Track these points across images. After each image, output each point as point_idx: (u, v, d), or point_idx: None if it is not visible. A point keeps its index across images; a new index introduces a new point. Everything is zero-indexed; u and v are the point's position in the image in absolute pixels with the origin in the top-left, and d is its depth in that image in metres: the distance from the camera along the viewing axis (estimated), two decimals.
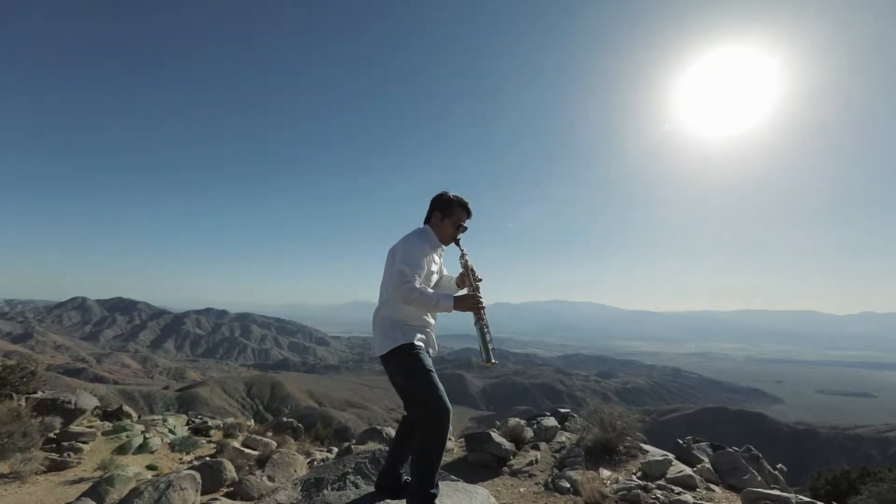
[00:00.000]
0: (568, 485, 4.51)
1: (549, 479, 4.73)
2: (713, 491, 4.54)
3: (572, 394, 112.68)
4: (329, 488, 2.65)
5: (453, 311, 2.36)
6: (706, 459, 5.49)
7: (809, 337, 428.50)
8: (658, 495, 4.14)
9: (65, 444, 6.51)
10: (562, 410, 7.56)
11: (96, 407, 8.40)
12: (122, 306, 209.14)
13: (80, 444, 6.60)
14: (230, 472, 5.81)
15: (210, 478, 5.43)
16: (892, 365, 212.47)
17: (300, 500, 2.55)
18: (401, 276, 2.33)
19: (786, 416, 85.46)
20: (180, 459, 7.21)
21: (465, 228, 2.63)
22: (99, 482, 4.78)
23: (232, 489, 5.45)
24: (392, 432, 8.20)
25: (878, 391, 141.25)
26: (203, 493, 4.73)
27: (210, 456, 7.08)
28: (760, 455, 5.85)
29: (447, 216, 2.58)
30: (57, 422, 6.96)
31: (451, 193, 2.62)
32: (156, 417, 9.47)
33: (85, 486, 5.01)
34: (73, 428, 7.00)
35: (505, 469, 5.22)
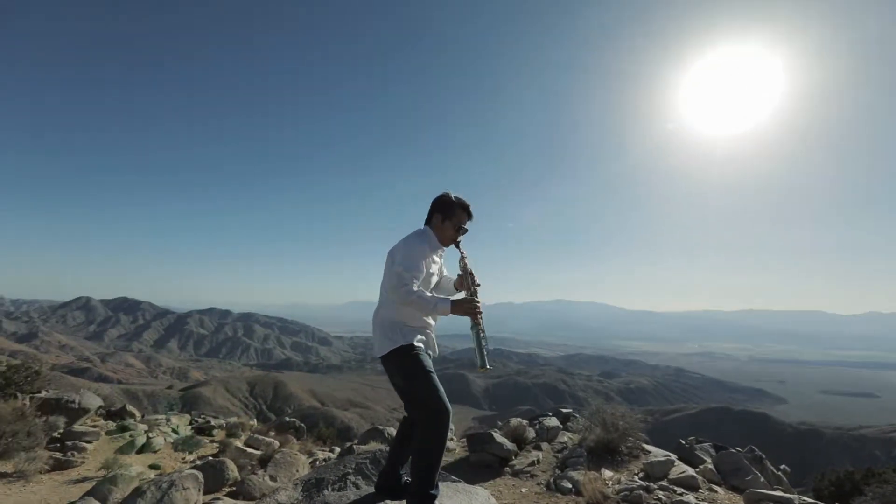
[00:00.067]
0: (570, 485, 4.51)
1: (551, 480, 4.73)
2: (716, 492, 4.53)
3: (574, 394, 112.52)
4: (330, 488, 2.65)
5: (450, 314, 2.36)
6: (709, 460, 5.48)
7: (813, 337, 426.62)
8: (660, 496, 4.13)
9: (69, 443, 6.55)
10: (564, 411, 7.56)
11: (100, 406, 8.44)
12: (125, 306, 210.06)
13: (84, 444, 6.63)
14: (232, 471, 5.83)
15: (212, 477, 5.45)
16: None
17: (301, 500, 2.56)
18: (399, 279, 2.33)
19: (789, 416, 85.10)
20: (183, 459, 7.24)
21: (466, 230, 2.61)
22: (102, 481, 4.81)
23: (234, 489, 5.47)
24: (394, 432, 8.20)
25: (882, 391, 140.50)
26: (205, 493, 4.75)
27: (213, 455, 7.11)
28: (764, 456, 5.83)
29: (448, 218, 2.56)
30: (61, 421, 7.00)
31: (453, 195, 2.59)
32: (159, 417, 9.51)
33: (88, 486, 5.04)
34: (77, 427, 7.04)
35: (507, 469, 5.21)
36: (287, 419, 11.33)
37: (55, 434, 6.74)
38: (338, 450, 8.44)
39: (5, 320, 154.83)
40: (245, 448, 7.31)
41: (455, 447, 6.28)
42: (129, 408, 9.19)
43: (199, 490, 4.47)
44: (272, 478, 5.58)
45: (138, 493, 4.03)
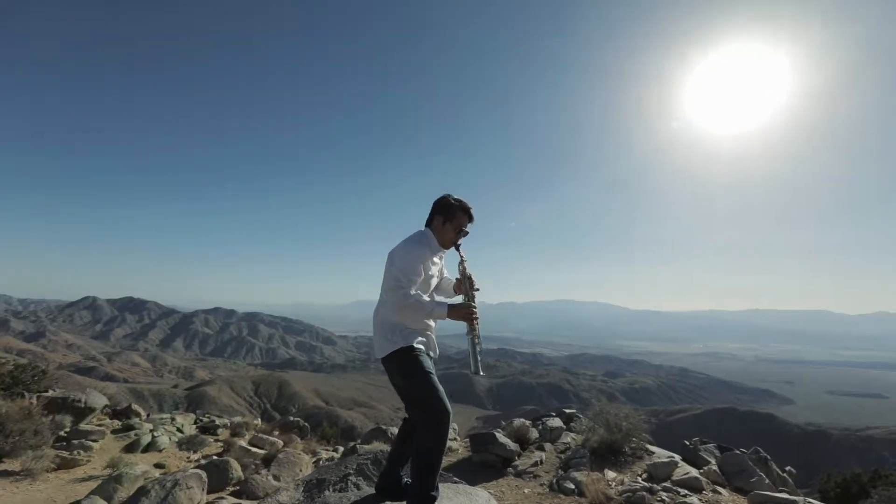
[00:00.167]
0: (573, 486, 4.50)
1: (554, 481, 4.72)
2: (720, 493, 4.50)
3: (579, 394, 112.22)
4: (331, 489, 2.66)
5: (447, 319, 2.36)
6: (713, 461, 5.45)
7: (820, 337, 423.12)
8: (663, 497, 4.11)
9: (75, 442, 6.60)
10: (567, 411, 7.54)
11: (105, 405, 8.51)
12: (131, 306, 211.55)
13: (90, 443, 6.68)
14: (236, 471, 5.86)
15: (216, 476, 5.47)
16: None
17: (302, 500, 2.57)
18: (396, 282, 2.34)
19: (796, 417, 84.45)
20: (188, 458, 7.28)
21: (467, 233, 2.60)
22: (108, 480, 4.85)
23: (238, 488, 5.49)
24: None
25: (890, 392, 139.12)
26: (209, 492, 4.78)
27: (217, 455, 7.14)
28: (769, 457, 5.79)
29: (449, 221, 2.54)
30: (67, 420, 7.06)
31: (454, 197, 2.57)
32: (164, 416, 9.57)
33: (94, 484, 5.08)
34: (83, 426, 7.10)
35: (510, 470, 5.21)
36: (291, 418, 11.37)
37: (61, 433, 6.80)
38: (341, 449, 8.46)
39: (13, 320, 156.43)
40: (249, 447, 7.34)
41: (458, 447, 6.28)
42: (135, 407, 9.26)
43: (203, 489, 4.50)
44: (275, 477, 5.60)
45: (143, 492, 4.06)
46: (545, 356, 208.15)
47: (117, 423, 7.98)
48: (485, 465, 5.42)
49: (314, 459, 7.30)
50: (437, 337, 2.63)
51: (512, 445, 5.55)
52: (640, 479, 4.71)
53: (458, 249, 2.60)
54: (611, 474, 4.76)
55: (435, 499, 2.35)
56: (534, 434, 6.22)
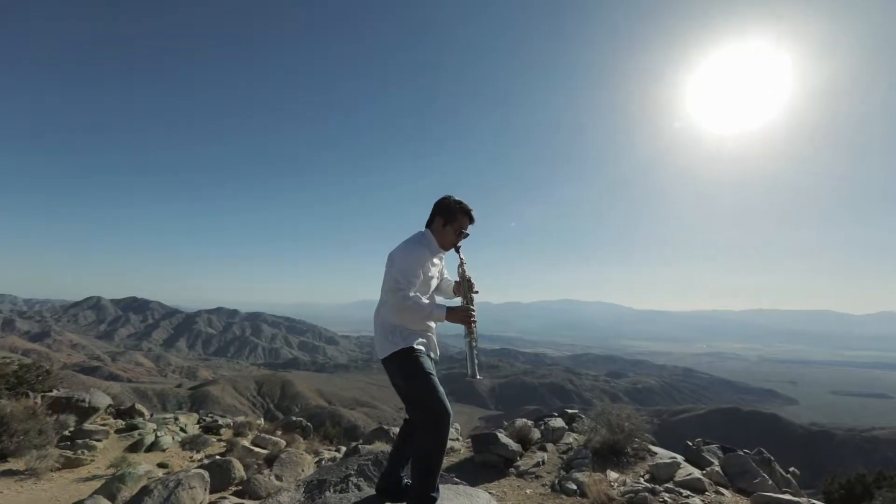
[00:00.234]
0: (575, 487, 4.49)
1: (556, 481, 4.71)
2: (722, 495, 4.48)
3: (581, 394, 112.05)
4: (331, 490, 2.67)
5: (445, 321, 2.36)
6: (716, 462, 5.43)
7: (824, 337, 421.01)
8: (665, 498, 4.10)
9: (79, 441, 6.63)
10: (569, 411, 7.53)
11: (109, 405, 8.54)
12: (135, 306, 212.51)
13: (94, 442, 6.72)
14: (238, 470, 5.87)
15: (219, 476, 5.49)
16: None
17: (303, 501, 2.57)
18: (395, 284, 2.35)
19: (800, 417, 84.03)
20: (191, 458, 7.31)
21: (468, 235, 2.60)
22: (111, 480, 4.87)
23: (240, 488, 5.51)
24: None
25: (895, 392, 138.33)
26: (212, 492, 4.79)
27: (220, 454, 7.16)
28: (772, 458, 5.76)
29: (449, 223, 2.54)
30: (71, 420, 7.09)
31: (454, 199, 2.56)
32: (167, 416, 9.60)
33: (98, 484, 5.10)
34: (87, 426, 7.13)
35: (511, 470, 5.21)
36: (294, 418, 11.38)
37: (65, 432, 6.83)
38: (344, 449, 8.47)
39: (19, 320, 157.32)
40: (252, 447, 7.36)
41: (460, 447, 6.28)
42: (138, 406, 9.30)
43: (206, 489, 4.51)
44: (278, 477, 5.61)
45: (146, 491, 4.07)
46: (548, 356, 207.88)
47: (121, 423, 8.02)
48: (487, 465, 5.41)
49: (316, 459, 7.31)
50: (438, 337, 2.63)
51: (514, 446, 5.55)
52: (642, 479, 4.70)
53: (458, 251, 2.60)
54: (613, 475, 4.75)
55: (435, 500, 2.35)
56: (536, 434, 6.22)
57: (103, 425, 7.53)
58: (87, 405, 7.55)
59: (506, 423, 6.74)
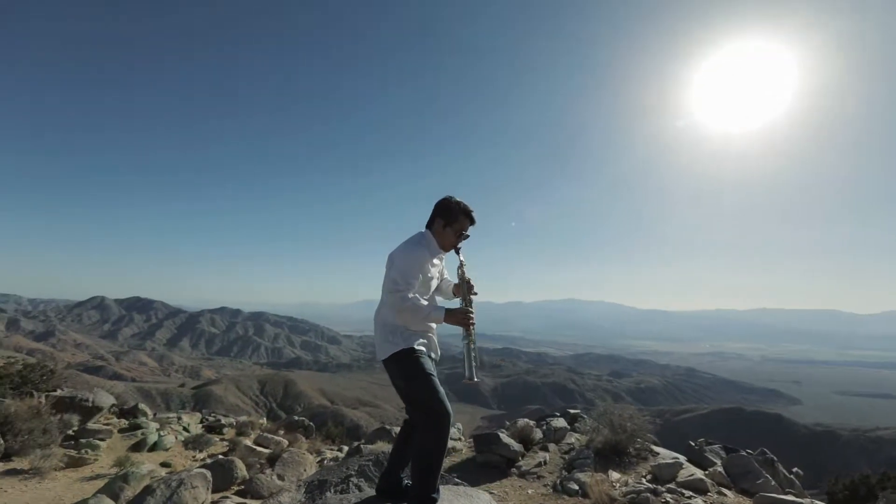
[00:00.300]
0: (576, 487, 4.48)
1: (558, 481, 4.71)
2: (725, 495, 4.47)
3: (584, 393, 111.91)
4: (332, 490, 2.67)
5: (443, 323, 2.36)
6: (718, 462, 5.41)
7: (828, 336, 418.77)
8: (668, 499, 4.09)
9: (82, 441, 6.67)
10: (572, 411, 7.52)
11: (113, 405, 8.58)
12: (139, 305, 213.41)
13: (98, 442, 6.75)
14: (241, 470, 5.89)
15: (221, 476, 5.51)
16: None
17: (303, 501, 2.58)
18: (394, 285, 2.35)
19: (804, 417, 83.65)
20: (193, 457, 7.33)
21: (468, 236, 2.59)
22: (114, 479, 4.90)
23: (242, 487, 5.52)
24: None
25: None
26: (214, 492, 4.81)
27: (222, 454, 7.19)
28: (775, 458, 5.74)
29: (449, 224, 2.53)
30: (75, 419, 7.13)
31: (455, 200, 2.55)
32: (170, 415, 9.64)
33: (101, 483, 5.13)
34: (91, 425, 7.16)
35: (513, 470, 5.20)
36: (296, 418, 11.41)
37: (69, 432, 6.86)
38: (346, 449, 8.48)
39: (23, 319, 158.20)
40: (254, 447, 7.39)
41: (462, 447, 6.28)
42: (142, 406, 9.34)
43: (208, 489, 4.53)
44: (280, 477, 5.63)
45: (149, 490, 4.09)
46: (550, 356, 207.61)
47: (124, 422, 8.06)
48: (488, 465, 5.41)
49: (319, 459, 7.32)
50: (440, 338, 2.62)
51: (515, 446, 5.55)
52: (644, 480, 4.69)
53: (458, 253, 2.59)
54: (615, 475, 4.74)
55: (435, 501, 2.35)
56: (538, 434, 6.21)
57: (107, 425, 7.57)
58: (90, 405, 7.58)
59: (508, 422, 6.74)
